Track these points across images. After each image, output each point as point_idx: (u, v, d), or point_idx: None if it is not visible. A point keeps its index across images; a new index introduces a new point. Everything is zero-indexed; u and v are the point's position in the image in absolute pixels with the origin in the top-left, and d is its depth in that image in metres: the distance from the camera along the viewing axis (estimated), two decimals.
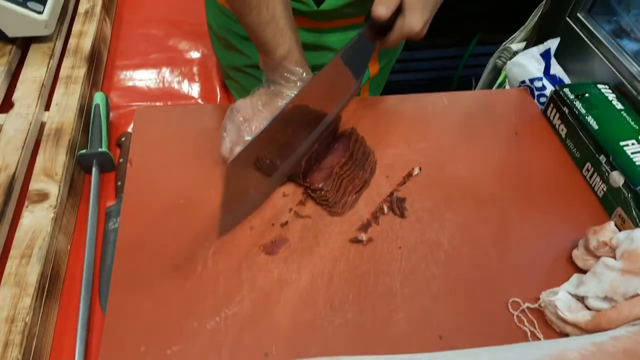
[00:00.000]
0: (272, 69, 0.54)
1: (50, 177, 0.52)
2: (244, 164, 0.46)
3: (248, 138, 0.51)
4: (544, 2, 0.78)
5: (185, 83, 0.74)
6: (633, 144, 0.56)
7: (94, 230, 0.52)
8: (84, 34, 0.71)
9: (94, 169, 0.57)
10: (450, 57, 1.68)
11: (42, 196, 0.50)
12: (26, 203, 0.50)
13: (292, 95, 0.53)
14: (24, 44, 0.69)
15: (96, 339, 0.46)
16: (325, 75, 0.51)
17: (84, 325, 0.45)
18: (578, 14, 0.73)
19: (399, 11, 0.53)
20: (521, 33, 0.95)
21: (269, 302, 0.46)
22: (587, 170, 0.59)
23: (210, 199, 0.54)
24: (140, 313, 0.45)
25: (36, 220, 0.49)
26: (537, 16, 0.83)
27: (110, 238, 0.53)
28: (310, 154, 0.55)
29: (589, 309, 0.45)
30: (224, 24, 0.68)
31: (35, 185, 0.51)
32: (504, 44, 0.99)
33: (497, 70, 0.98)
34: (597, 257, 0.48)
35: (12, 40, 0.68)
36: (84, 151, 0.57)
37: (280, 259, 0.50)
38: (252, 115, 0.52)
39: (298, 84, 0.54)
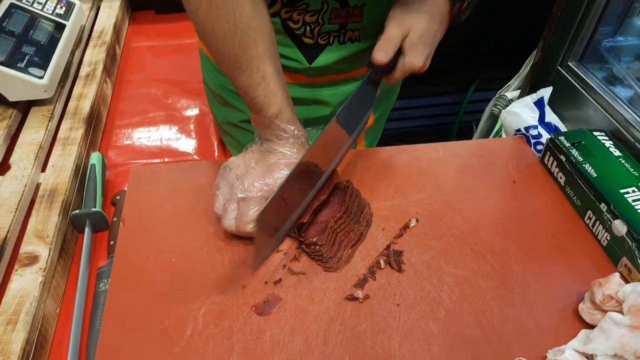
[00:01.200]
0: (264, 127, 0.55)
1: (41, 239, 0.51)
2: (272, 214, 0.49)
3: (241, 195, 0.51)
4: (535, 51, 0.80)
5: (183, 140, 0.75)
6: (634, 191, 0.55)
7: (83, 293, 0.51)
8: (84, 96, 0.73)
9: (86, 229, 0.56)
10: (449, 104, 1.71)
11: (32, 259, 0.50)
12: (16, 267, 0.49)
13: (284, 151, 0.54)
14: (25, 107, 0.71)
15: None
16: (324, 138, 0.53)
17: None
18: (569, 63, 0.74)
19: (399, 51, 0.56)
20: (515, 81, 0.96)
21: None
22: (589, 218, 0.57)
23: (203, 258, 0.53)
24: None
25: (25, 284, 0.48)
26: (530, 65, 0.84)
27: (101, 300, 0.51)
28: (305, 208, 0.54)
29: None
30: (219, 81, 0.69)
31: (25, 247, 0.51)
32: (499, 92, 1.00)
33: (494, 118, 0.98)
34: (604, 311, 0.45)
35: (13, 104, 0.70)
36: (77, 211, 0.57)
37: (273, 319, 0.48)
38: (245, 173, 0.52)
39: (290, 140, 0.54)
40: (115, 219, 0.58)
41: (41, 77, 0.68)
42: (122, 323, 0.47)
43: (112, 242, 0.56)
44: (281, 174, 0.51)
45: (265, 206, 0.47)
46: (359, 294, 0.50)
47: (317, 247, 0.53)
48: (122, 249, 0.53)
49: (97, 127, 0.72)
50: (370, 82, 0.58)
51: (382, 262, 0.53)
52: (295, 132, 0.54)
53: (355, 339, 0.46)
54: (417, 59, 0.56)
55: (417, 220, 0.58)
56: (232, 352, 0.45)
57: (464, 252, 0.55)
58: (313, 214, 0.56)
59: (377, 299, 0.50)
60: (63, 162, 0.61)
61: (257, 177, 0.52)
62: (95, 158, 0.63)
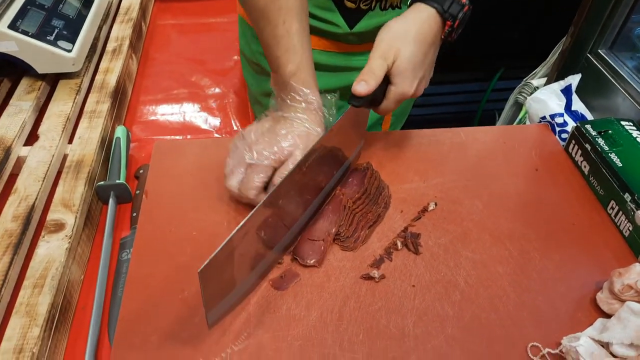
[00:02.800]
0: (281, 87, 0.55)
1: (67, 207, 0.53)
2: (224, 265, 0.43)
3: (249, 161, 0.51)
4: (565, 38, 0.78)
5: (205, 117, 0.76)
6: None
7: (107, 261, 0.53)
8: (110, 70, 0.74)
9: (110, 200, 0.58)
10: (473, 92, 1.68)
11: (59, 226, 0.51)
12: (43, 233, 0.51)
13: (294, 119, 0.53)
14: (53, 80, 0.73)
15: None
16: (320, 148, 0.51)
17: (91, 357, 0.45)
18: (599, 50, 0.73)
19: (387, 80, 0.53)
20: (542, 69, 0.94)
21: (276, 339, 0.45)
22: (612, 208, 0.56)
23: (222, 233, 0.54)
24: (146, 346, 0.44)
25: (51, 250, 0.50)
26: (558, 52, 0.82)
27: (123, 269, 0.53)
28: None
29: (613, 356, 0.42)
30: (257, 48, 0.70)
31: (52, 215, 0.52)
32: (525, 79, 0.98)
33: (518, 106, 0.97)
34: (623, 301, 0.45)
35: (42, 77, 0.71)
36: (102, 183, 0.58)
37: (290, 294, 0.49)
38: (256, 141, 0.52)
39: (303, 105, 0.54)
40: (138, 191, 0.59)
41: (69, 51, 0.70)
42: (143, 291, 0.48)
43: (134, 214, 0.57)
44: (289, 144, 0.51)
45: (213, 258, 0.41)
46: (375, 273, 0.51)
47: (336, 227, 0.54)
48: (144, 220, 0.54)
49: (122, 102, 0.74)
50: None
51: (399, 244, 0.54)
52: (310, 96, 0.53)
53: (370, 317, 0.47)
54: (406, 86, 0.53)
55: (435, 204, 0.58)
56: (249, 324, 0.46)
57: (483, 237, 0.55)
58: (325, 195, 0.57)
59: (393, 280, 0.50)
60: (89, 134, 0.62)
61: (267, 145, 0.52)
62: (120, 132, 0.64)
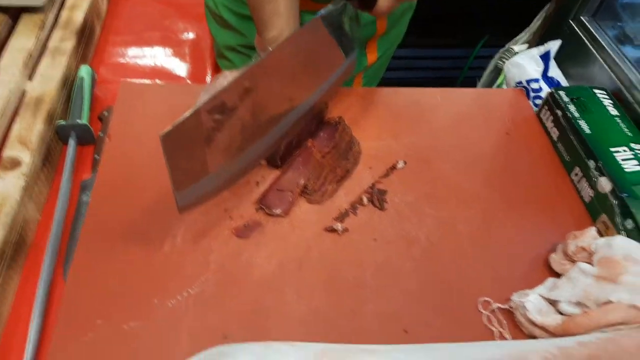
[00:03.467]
0: (262, 50, 0.53)
1: (24, 145, 0.51)
2: (191, 138, 0.42)
3: None
4: (549, 4, 0.77)
5: (176, 63, 0.73)
6: (624, 150, 0.55)
7: (65, 200, 0.51)
8: (77, 6, 0.70)
9: (71, 140, 0.56)
10: (456, 57, 1.67)
11: (15, 164, 0.49)
12: None
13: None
14: (16, 14, 0.69)
15: (55, 310, 0.46)
16: (302, 42, 0.48)
17: (44, 294, 0.45)
18: (582, 18, 0.72)
19: None
20: (525, 35, 0.93)
21: (235, 285, 0.45)
22: (576, 174, 0.57)
23: None
24: (101, 285, 0.44)
25: (6, 188, 0.48)
26: (542, 17, 0.81)
27: (82, 211, 0.52)
28: (291, 138, 0.54)
29: (561, 313, 0.44)
30: (222, 1, 0.67)
31: (8, 152, 0.51)
32: (507, 45, 0.97)
33: (498, 71, 0.96)
34: (574, 262, 0.46)
35: (4, 10, 0.67)
36: (62, 122, 0.56)
37: (252, 243, 0.49)
38: None
39: None
40: (101, 133, 0.58)
41: None
42: (102, 232, 0.47)
43: (97, 157, 0.56)
44: None
45: (178, 123, 0.39)
46: (339, 226, 0.51)
47: (302, 180, 0.53)
48: (106, 162, 0.53)
49: (89, 41, 0.70)
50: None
51: (364, 199, 0.54)
52: None
53: (330, 268, 0.47)
54: None
55: (405, 163, 0.58)
56: (208, 269, 0.46)
57: (448, 197, 0.55)
58: (299, 145, 0.56)
59: (356, 233, 0.51)
60: (51, 72, 0.60)
61: None
62: (84, 71, 0.62)
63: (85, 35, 0.69)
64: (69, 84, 0.61)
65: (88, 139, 0.58)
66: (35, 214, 0.51)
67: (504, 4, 1.47)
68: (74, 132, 0.56)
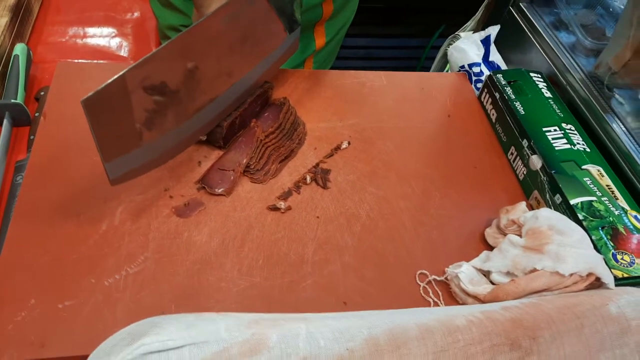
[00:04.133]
0: None
1: None
2: (118, 105, 0.41)
3: None
4: None
5: (119, 43, 0.71)
6: (555, 130, 0.57)
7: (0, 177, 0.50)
8: None
9: (5, 121, 0.54)
10: (413, 47, 1.69)
11: None
12: None
13: None
14: None
15: None
16: (241, 12, 0.47)
17: None
18: (521, 4, 0.75)
19: None
20: (472, 23, 0.96)
21: (174, 263, 0.45)
22: (512, 154, 0.60)
23: None
24: (35, 265, 0.43)
25: None
26: (485, 6, 0.84)
27: (16, 192, 0.50)
28: (233, 119, 0.54)
29: (493, 283, 0.46)
30: None
31: None
32: (456, 32, 1.00)
33: (447, 58, 0.98)
34: (506, 235, 0.48)
35: None
36: None
37: (192, 222, 0.49)
38: None
39: None
40: (37, 114, 0.56)
41: None
42: (36, 212, 0.46)
43: (32, 137, 0.54)
44: None
45: (102, 87, 0.38)
46: (282, 204, 0.51)
47: (245, 160, 0.53)
48: (41, 141, 0.51)
49: (25, 19, 0.67)
50: None
51: (308, 178, 0.54)
52: None
53: (272, 245, 0.48)
54: None
55: (349, 143, 0.59)
56: (147, 248, 0.46)
57: (389, 176, 0.56)
58: (242, 125, 0.56)
59: (299, 211, 0.51)
60: None
61: None
62: (19, 49, 0.59)
63: (20, 13, 0.66)
64: (3, 62, 0.59)
65: (24, 119, 0.56)
66: None
67: None
68: (8, 112, 0.54)
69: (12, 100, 0.54)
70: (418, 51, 1.71)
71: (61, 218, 0.46)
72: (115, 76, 0.39)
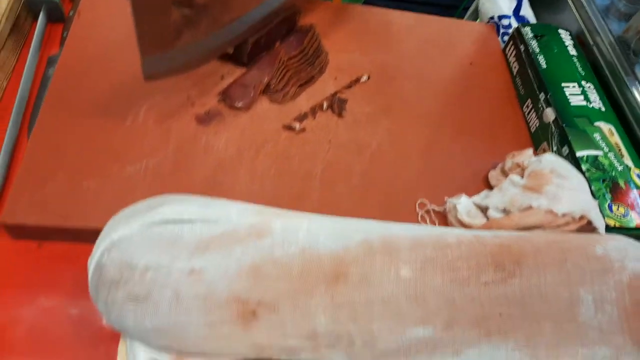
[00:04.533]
0: None
1: None
2: (160, 3, 0.43)
3: None
4: None
5: None
6: (574, 86, 0.58)
7: (31, 70, 0.52)
8: None
9: (41, 15, 0.56)
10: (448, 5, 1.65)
11: None
12: None
13: None
14: None
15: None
16: None
17: (8, 149, 0.46)
18: None
19: None
20: None
21: (191, 163, 0.48)
22: (527, 106, 0.61)
23: None
24: (63, 147, 0.46)
25: None
26: None
27: (48, 84, 0.52)
28: (259, 37, 0.55)
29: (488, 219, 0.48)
30: None
31: None
32: None
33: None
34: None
35: None
36: None
37: (211, 129, 0.51)
38: None
39: None
40: (72, 12, 0.58)
41: None
42: (65, 104, 0.49)
43: (65, 34, 0.56)
44: None
45: None
46: (296, 125, 0.53)
47: (266, 78, 0.55)
48: (73, 38, 0.53)
49: None
50: None
51: (325, 105, 0.56)
52: None
53: (283, 159, 0.50)
54: None
55: (368, 77, 0.60)
56: (167, 146, 0.48)
57: (404, 112, 0.58)
58: (267, 45, 0.57)
59: (312, 134, 0.53)
60: None
61: None
62: None
63: None
64: None
65: (58, 15, 0.57)
66: (2, 81, 0.51)
67: None
68: (45, 7, 0.56)
69: None
70: (452, 6, 1.66)
71: (89, 110, 0.49)
72: None
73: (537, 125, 0.58)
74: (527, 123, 0.60)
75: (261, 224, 0.35)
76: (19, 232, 0.41)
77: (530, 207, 0.45)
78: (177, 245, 0.31)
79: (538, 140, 0.58)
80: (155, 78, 0.47)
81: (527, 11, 0.71)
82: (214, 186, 0.47)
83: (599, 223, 0.44)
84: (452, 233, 0.40)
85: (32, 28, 0.57)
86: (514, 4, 0.70)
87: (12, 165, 0.47)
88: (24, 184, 0.43)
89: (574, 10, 0.69)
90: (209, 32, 0.49)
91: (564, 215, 0.44)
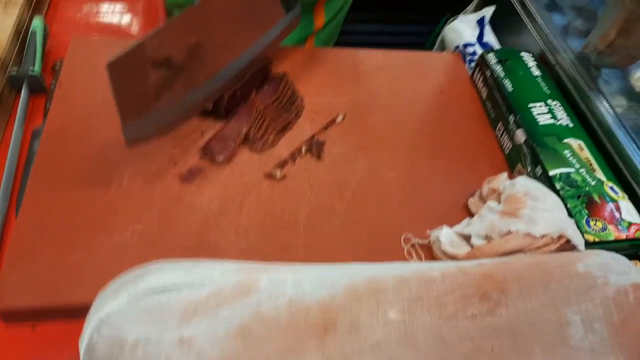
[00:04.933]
0: None
1: None
2: (136, 70, 0.45)
3: None
4: None
5: (130, 20, 0.75)
6: (540, 106, 0.60)
7: (16, 146, 0.54)
8: None
9: (23, 89, 0.58)
10: (417, 34, 1.70)
11: None
12: None
13: None
14: None
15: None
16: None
17: None
18: None
19: None
20: (471, 6, 0.98)
21: (177, 224, 0.49)
22: (499, 129, 0.63)
23: None
24: (50, 222, 0.47)
25: None
26: None
27: (33, 157, 0.54)
28: (234, 90, 0.57)
29: (471, 247, 0.49)
30: None
31: None
32: (456, 16, 1.01)
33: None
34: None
35: None
36: (14, 71, 0.58)
37: (194, 187, 0.52)
38: None
39: None
40: (53, 83, 0.59)
41: None
42: (50, 177, 0.50)
43: (48, 106, 0.58)
44: None
45: (126, 51, 0.42)
46: (277, 172, 0.55)
47: (244, 129, 0.57)
48: (56, 108, 0.55)
49: None
50: None
51: (303, 149, 0.58)
52: None
53: (267, 208, 0.52)
54: None
55: (344, 117, 0.62)
56: (152, 209, 0.49)
57: (380, 148, 0.59)
58: (243, 97, 0.59)
59: (293, 179, 0.55)
60: (3, 21, 0.61)
61: None
62: (37, 23, 0.63)
63: None
64: (21, 35, 0.63)
65: (40, 88, 0.59)
66: None
67: None
68: (26, 82, 0.58)
69: (30, 70, 0.58)
70: (422, 38, 1.72)
71: (74, 181, 0.50)
72: (136, 42, 0.43)
73: (510, 147, 0.60)
74: (501, 146, 0.62)
75: (246, 280, 0.36)
76: (11, 315, 0.42)
77: (509, 232, 0.46)
78: (165, 314, 0.32)
79: (512, 162, 0.59)
80: (138, 143, 0.48)
81: (490, 37, 0.74)
82: (200, 245, 0.47)
83: (578, 240, 0.46)
84: (435, 267, 0.41)
85: (16, 102, 0.59)
86: (477, 32, 0.73)
87: (2, 248, 0.47)
88: (13, 265, 0.43)
89: (534, 32, 0.72)
90: (186, 91, 0.51)
91: (542, 236, 0.45)
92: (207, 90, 0.54)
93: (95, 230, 0.47)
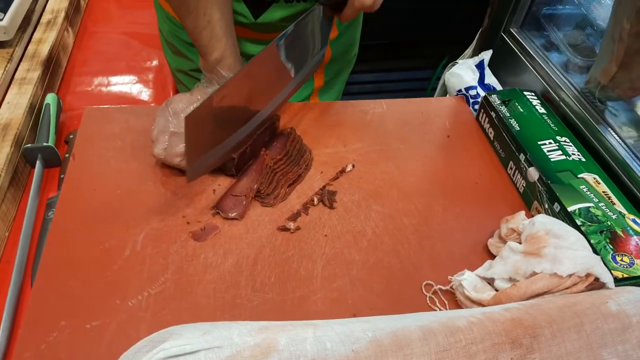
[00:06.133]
0: (208, 71, 0.58)
1: None
2: (204, 120, 0.51)
3: (172, 129, 0.54)
4: (485, 19, 0.84)
5: (140, 88, 0.78)
6: (550, 143, 0.60)
7: (31, 217, 0.54)
8: (43, 41, 0.75)
9: (37, 162, 0.59)
10: (419, 79, 1.75)
11: None
12: None
13: None
14: None
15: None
16: (260, 65, 0.54)
17: (12, 302, 0.47)
18: (511, 30, 0.79)
19: None
20: (469, 51, 1.00)
21: (192, 283, 0.48)
22: (511, 168, 0.62)
23: (146, 191, 0.56)
24: (65, 290, 0.46)
25: None
26: (479, 34, 0.88)
27: (48, 227, 0.54)
28: (244, 148, 0.58)
29: (496, 290, 0.47)
30: (172, 30, 0.72)
31: None
32: (456, 60, 1.04)
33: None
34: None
35: None
36: (29, 145, 0.59)
37: (208, 244, 0.52)
38: (184, 109, 0.55)
39: None
40: (67, 155, 0.61)
41: (0, 19, 0.70)
42: (65, 243, 0.50)
43: (62, 176, 0.59)
44: None
45: (196, 108, 0.48)
46: (291, 225, 0.54)
47: (256, 185, 0.57)
48: (70, 179, 0.56)
49: (55, 72, 0.74)
50: (323, 17, 0.59)
51: (315, 200, 0.58)
52: None
53: (283, 262, 0.51)
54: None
55: (353, 166, 0.62)
56: (167, 270, 0.49)
57: (392, 194, 0.59)
58: (253, 154, 0.60)
59: (307, 230, 0.54)
60: (18, 100, 0.63)
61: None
62: (50, 98, 0.66)
63: (51, 66, 0.73)
64: (35, 111, 0.65)
65: (54, 160, 0.61)
66: (4, 231, 0.53)
67: (460, 26, 1.57)
68: (41, 155, 0.60)
69: (44, 144, 0.60)
70: (424, 83, 1.76)
71: (89, 246, 0.50)
72: (206, 97, 0.50)
73: (524, 185, 0.59)
74: (515, 184, 0.61)
75: (265, 341, 0.35)
76: None
77: (534, 273, 0.45)
78: None
79: (529, 199, 0.58)
80: (194, 179, 0.55)
81: (490, 79, 0.76)
82: (215, 305, 0.46)
83: (607, 278, 0.44)
84: (461, 315, 0.40)
85: (30, 174, 0.60)
86: (477, 75, 0.75)
87: (17, 318, 0.47)
88: (29, 338, 0.43)
89: (534, 71, 0.73)
90: (224, 138, 0.55)
91: (569, 276, 0.44)
92: (238, 138, 0.57)
93: (111, 297, 0.46)
